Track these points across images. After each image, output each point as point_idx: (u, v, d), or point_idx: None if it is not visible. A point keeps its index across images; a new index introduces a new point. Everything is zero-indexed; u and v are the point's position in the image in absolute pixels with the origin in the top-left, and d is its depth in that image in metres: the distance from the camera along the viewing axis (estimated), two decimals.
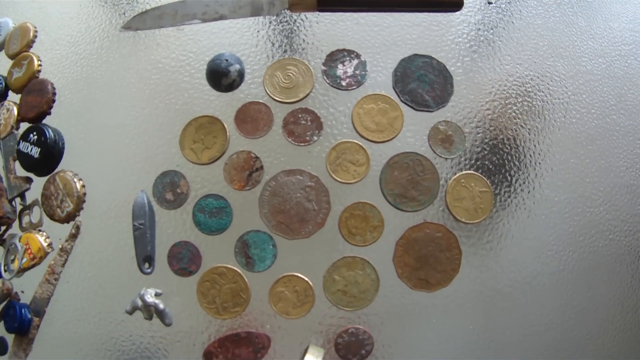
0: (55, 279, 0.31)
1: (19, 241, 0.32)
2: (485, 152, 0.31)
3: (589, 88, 0.35)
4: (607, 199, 0.33)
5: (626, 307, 0.33)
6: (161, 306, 0.28)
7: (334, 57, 0.31)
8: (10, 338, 0.33)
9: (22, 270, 0.32)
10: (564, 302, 0.32)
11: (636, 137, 0.36)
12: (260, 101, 0.30)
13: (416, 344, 0.28)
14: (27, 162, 0.32)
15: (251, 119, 0.29)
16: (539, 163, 0.31)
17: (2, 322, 0.33)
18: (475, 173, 0.29)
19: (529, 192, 0.31)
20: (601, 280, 0.33)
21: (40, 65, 0.35)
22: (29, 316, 0.32)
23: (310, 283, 0.28)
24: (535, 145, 0.32)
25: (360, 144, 0.29)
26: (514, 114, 0.32)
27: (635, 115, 0.36)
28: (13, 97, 0.36)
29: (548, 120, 0.33)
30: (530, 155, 0.32)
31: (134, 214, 0.29)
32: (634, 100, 0.36)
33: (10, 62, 0.37)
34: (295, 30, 0.32)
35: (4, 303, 0.33)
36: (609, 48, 0.37)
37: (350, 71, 0.30)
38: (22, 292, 0.33)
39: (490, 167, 0.31)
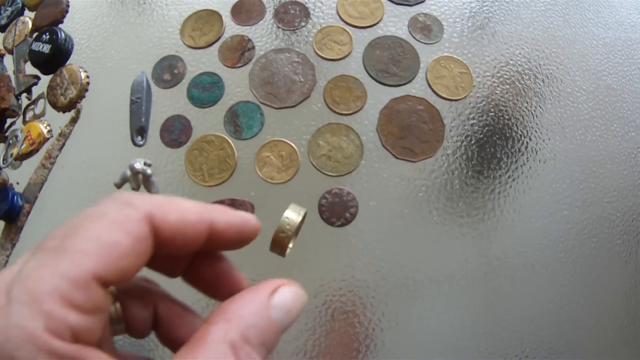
0: (51, 163, 0.35)
1: (21, 132, 0.36)
2: (464, 43, 0.35)
3: (564, 0, 0.40)
4: (591, 98, 0.37)
5: (624, 206, 0.35)
6: (149, 171, 0.31)
7: None
8: None
9: (20, 158, 0.35)
10: (553, 190, 0.34)
11: (615, 48, 0.40)
12: None
13: (401, 211, 0.30)
14: (37, 58, 0.37)
15: (246, 10, 0.34)
16: (517, 52, 0.35)
17: None
18: (454, 56, 0.33)
19: (507, 78, 0.34)
20: (590, 174, 0.35)
21: None
22: (21, 203, 0.35)
23: (295, 148, 0.30)
24: (510, 39, 0.36)
25: (344, 27, 0.33)
26: (490, 14, 0.37)
27: (613, 30, 0.41)
28: (29, 15, 0.42)
29: (524, 20, 0.37)
30: (509, 48, 0.36)
31: (132, 90, 0.33)
32: (610, 18, 0.41)
33: None
34: None
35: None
36: None
37: None
38: (17, 183, 0.36)
39: (469, 55, 0.35)
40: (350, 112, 0.31)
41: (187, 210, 0.14)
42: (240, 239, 0.15)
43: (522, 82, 0.35)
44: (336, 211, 0.30)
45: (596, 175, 0.36)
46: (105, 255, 0.11)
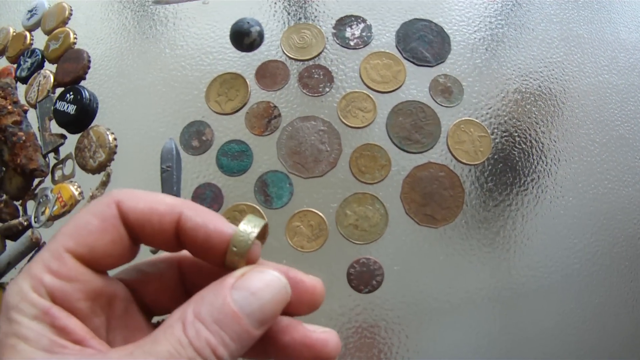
0: None
1: (51, 192, 0.39)
2: (483, 103, 0.37)
3: (580, 50, 0.42)
4: (604, 150, 0.39)
5: (632, 254, 0.38)
6: None
7: (343, 22, 0.38)
8: None
9: (52, 218, 0.38)
10: (565, 242, 0.37)
11: (629, 96, 0.42)
12: (278, 59, 0.37)
13: (424, 278, 0.34)
14: (62, 118, 0.39)
15: (270, 74, 0.36)
16: (533, 109, 0.38)
17: None
18: (474, 119, 0.36)
19: (525, 138, 0.37)
20: (601, 227, 0.38)
21: (75, 38, 0.43)
22: None
23: (324, 217, 0.33)
24: (528, 97, 0.38)
25: (367, 93, 0.35)
26: (508, 71, 0.39)
27: (627, 75, 0.43)
28: (49, 68, 0.44)
29: (542, 74, 0.40)
30: (526, 105, 0.38)
31: (162, 158, 0.35)
32: (625, 62, 0.43)
33: (46, 38, 0.45)
34: (308, 0, 0.40)
35: (33, 252, 0.39)
36: (598, 16, 0.44)
37: (357, 33, 0.37)
38: None
39: (488, 115, 0.37)
40: (375, 181, 0.34)
41: (159, 201, 0.15)
42: (207, 248, 0.15)
43: (539, 141, 0.37)
44: (364, 279, 0.33)
45: (607, 227, 0.39)
46: (75, 233, 0.15)
